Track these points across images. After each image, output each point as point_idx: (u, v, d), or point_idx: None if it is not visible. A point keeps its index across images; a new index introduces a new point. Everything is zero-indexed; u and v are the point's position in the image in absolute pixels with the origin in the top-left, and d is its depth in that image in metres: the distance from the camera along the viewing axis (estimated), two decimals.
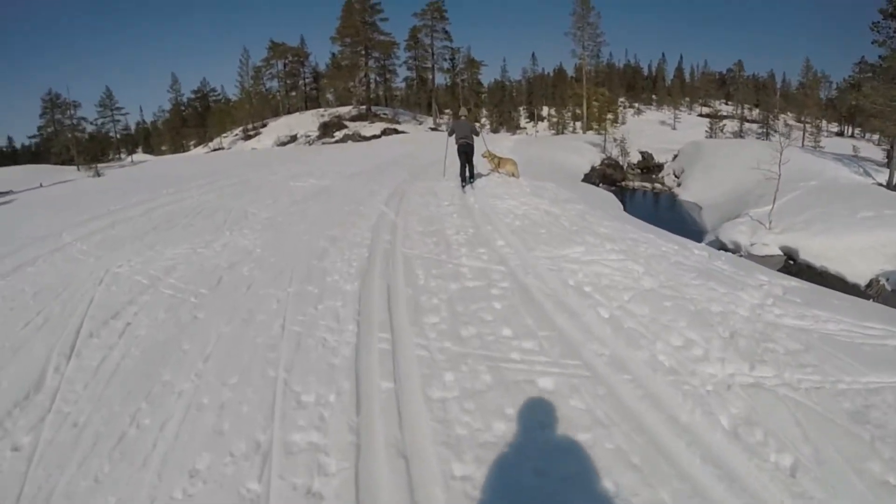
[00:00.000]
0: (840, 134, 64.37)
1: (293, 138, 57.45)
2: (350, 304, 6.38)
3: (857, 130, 64.98)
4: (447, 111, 62.21)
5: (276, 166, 25.61)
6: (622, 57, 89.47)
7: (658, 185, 35.90)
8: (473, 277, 7.14)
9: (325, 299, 6.57)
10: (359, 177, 18.93)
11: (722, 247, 16.75)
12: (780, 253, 16.28)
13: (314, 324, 5.84)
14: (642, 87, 77.67)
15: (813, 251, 15.89)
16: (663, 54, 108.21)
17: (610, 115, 47.95)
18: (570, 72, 75.38)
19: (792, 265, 15.86)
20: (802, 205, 18.23)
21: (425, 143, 37.98)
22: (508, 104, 69.14)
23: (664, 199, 32.79)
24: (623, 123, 45.88)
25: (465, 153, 14.03)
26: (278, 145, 55.73)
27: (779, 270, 14.21)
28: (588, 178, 31.54)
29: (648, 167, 42.30)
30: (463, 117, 15.42)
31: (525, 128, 65.20)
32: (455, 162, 15.02)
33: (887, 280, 15.11)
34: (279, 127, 61.15)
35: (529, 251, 8.30)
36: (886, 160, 41.21)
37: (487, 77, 77.63)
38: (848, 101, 62.79)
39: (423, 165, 21.73)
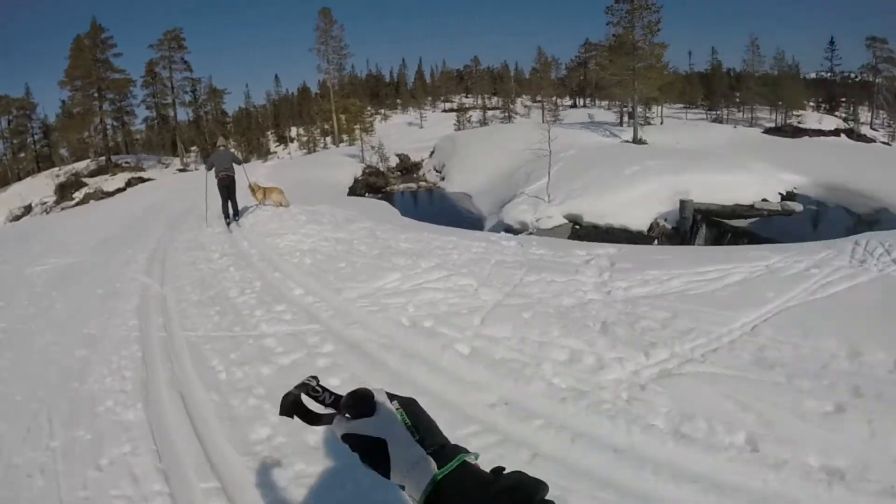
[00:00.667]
0: (573, 106, 72.00)
1: (28, 209, 48.10)
2: (142, 445, 4.20)
3: (587, 101, 74.28)
4: (193, 148, 57.78)
5: (5, 251, 20.86)
6: (364, 67, 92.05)
7: (423, 183, 36.56)
8: (286, 350, 5.67)
9: (107, 447, 4.23)
10: (108, 244, 14.87)
11: (508, 228, 16.88)
12: (566, 221, 17.14)
13: (104, 500, 3.66)
14: (386, 93, 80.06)
15: (595, 212, 17.08)
16: (403, 59, 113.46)
17: (357, 126, 48.23)
18: (315, 88, 75.12)
19: (579, 229, 16.81)
20: (572, 173, 19.39)
21: (176, 186, 34.22)
22: (256, 130, 66.55)
23: (433, 195, 33.53)
24: (373, 131, 46.13)
25: (227, 187, 13.01)
26: (11, 221, 46.48)
27: (569, 237, 15.19)
28: (354, 191, 31.55)
29: (407, 168, 43.24)
30: (221, 148, 14.02)
31: (276, 152, 63.10)
32: (217, 198, 13.54)
33: (665, 220, 17.11)
34: (9, 198, 50.28)
35: (338, 294, 7.19)
36: (619, 122, 48.33)
37: (232, 105, 73.63)
38: (577, 76, 74.50)
39: (180, 213, 18.87)
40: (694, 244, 16.26)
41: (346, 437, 0.96)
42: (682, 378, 4.27)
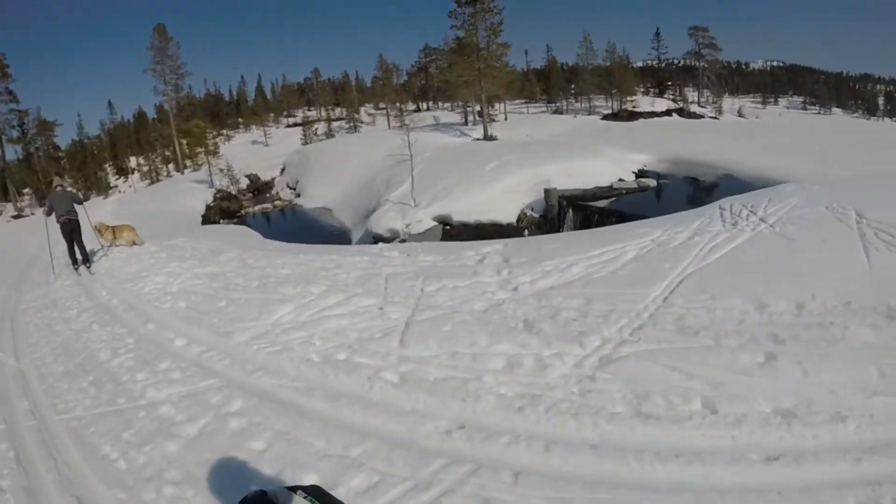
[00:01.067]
0: (417, 110, 72.45)
1: None
2: None
3: (430, 104, 76.06)
4: (26, 190, 51.27)
5: None
6: (202, 86, 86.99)
7: (278, 202, 35.38)
8: (188, 417, 4.76)
9: None
10: None
11: (378, 237, 16.96)
12: (436, 223, 17.16)
13: None
14: (227, 112, 76.50)
15: (463, 211, 17.27)
16: (242, 76, 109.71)
17: (202, 150, 45.82)
18: (152, 113, 70.98)
19: (450, 229, 16.91)
20: (433, 175, 19.45)
21: (11, 236, 29.19)
22: (92, 164, 60.82)
23: (291, 213, 32.56)
24: (219, 153, 43.82)
25: (71, 231, 11.82)
26: None
27: (441, 239, 15.25)
28: (207, 219, 29.92)
29: (259, 188, 41.71)
30: (59, 188, 12.47)
31: (116, 186, 58.21)
32: (61, 242, 12.44)
33: (532, 210, 17.71)
34: None
35: (228, 338, 6.33)
36: (464, 121, 49.88)
37: (64, 138, 66.27)
38: (419, 81, 75.93)
39: (22, 267, 15.69)
40: (563, 229, 16.95)
41: None
42: (623, 360, 4.35)
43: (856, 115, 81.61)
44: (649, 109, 54.30)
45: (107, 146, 69.91)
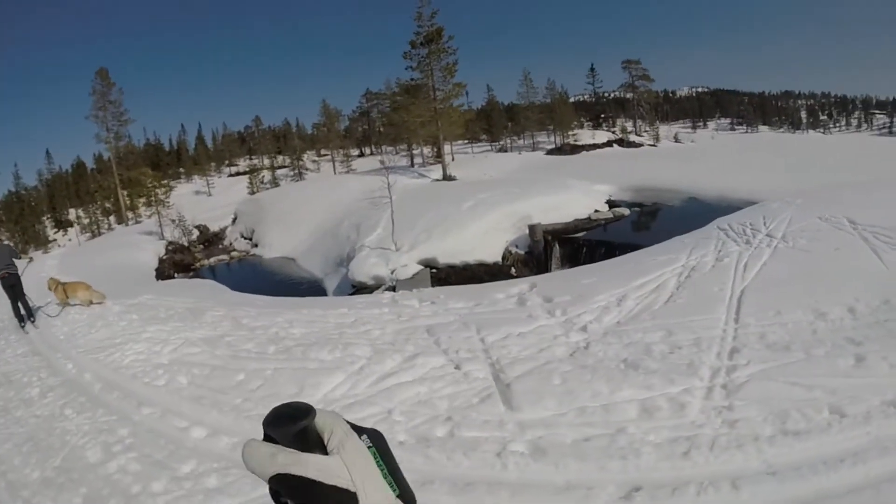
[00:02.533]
0: (361, 155, 73.06)
1: None
2: None
3: (373, 148, 76.22)
4: None
5: None
6: (142, 135, 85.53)
7: (234, 253, 34.53)
8: None
9: None
10: None
11: (361, 286, 16.80)
12: (422, 267, 17.04)
13: None
14: (167, 162, 74.85)
15: (448, 252, 17.23)
16: (182, 125, 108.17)
17: (153, 198, 44.26)
18: (91, 162, 69.79)
19: (437, 272, 16.84)
20: (407, 218, 19.32)
21: None
22: (30, 216, 58.13)
23: (250, 264, 31.37)
24: (170, 203, 42.29)
25: (13, 286, 11.47)
26: None
27: (432, 283, 15.16)
28: (161, 273, 28.38)
29: (209, 239, 40.66)
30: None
31: (55, 239, 55.76)
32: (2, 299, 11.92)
33: (516, 247, 17.92)
34: None
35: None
36: (410, 164, 50.29)
37: (0, 188, 63.34)
38: (360, 126, 76.96)
39: None
40: (551, 264, 17.24)
41: (286, 481, 0.59)
42: (746, 385, 4.50)
43: (781, 130, 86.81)
44: (591, 142, 55.93)
45: (45, 197, 67.40)
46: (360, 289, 16.98)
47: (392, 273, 16.93)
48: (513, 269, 17.33)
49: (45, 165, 77.64)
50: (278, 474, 0.58)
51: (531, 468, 3.85)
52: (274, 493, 0.61)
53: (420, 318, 7.77)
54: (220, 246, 37.83)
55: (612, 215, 21.52)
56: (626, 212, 21.96)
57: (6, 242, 12.86)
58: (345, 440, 0.62)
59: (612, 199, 24.15)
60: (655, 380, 4.70)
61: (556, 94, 65.55)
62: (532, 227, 18.23)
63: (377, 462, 0.63)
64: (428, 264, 17.29)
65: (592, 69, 70.05)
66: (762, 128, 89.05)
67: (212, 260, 34.17)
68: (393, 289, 15.37)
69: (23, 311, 11.59)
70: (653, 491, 3.43)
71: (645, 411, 4.36)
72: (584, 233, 19.61)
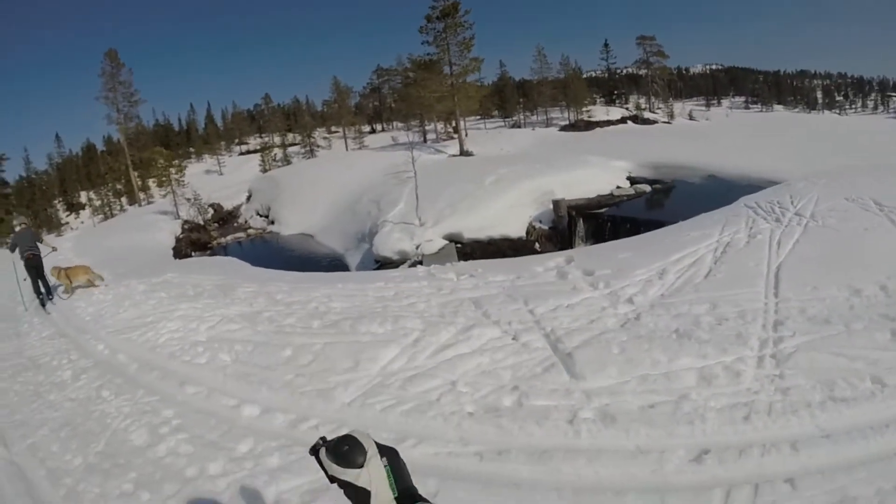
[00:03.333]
0: (373, 131, 73.14)
1: None
2: None
3: (384, 125, 76.82)
4: None
5: None
6: (151, 116, 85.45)
7: (251, 231, 34.83)
8: None
9: None
10: None
11: (387, 260, 17.15)
12: (447, 242, 17.36)
13: None
14: (178, 142, 74.96)
15: (472, 227, 17.56)
16: (192, 105, 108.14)
17: (156, 178, 44.36)
18: (101, 145, 69.54)
19: (462, 246, 17.15)
20: (429, 193, 19.58)
21: None
22: (42, 200, 58.41)
23: (269, 241, 31.72)
24: (185, 182, 42.21)
25: (35, 267, 12.48)
26: None
27: (460, 259, 15.44)
28: (179, 252, 28.55)
29: (223, 217, 40.90)
30: (21, 227, 13.59)
31: (68, 222, 56.09)
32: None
33: (540, 222, 18.26)
34: None
35: (328, 398, 5.20)
36: (423, 140, 50.41)
37: (11, 173, 63.29)
38: (371, 102, 77.88)
39: None
40: (575, 240, 17.54)
41: (338, 480, 1.29)
42: (795, 355, 4.72)
43: (796, 110, 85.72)
44: (605, 118, 55.68)
45: (56, 181, 67.91)
46: (383, 263, 17.30)
47: (417, 248, 17.24)
48: (537, 245, 17.63)
49: (55, 149, 78.18)
50: (334, 476, 1.30)
51: (603, 434, 3.97)
52: (338, 485, 1.30)
53: (462, 291, 7.83)
54: (236, 224, 38.07)
55: (633, 191, 21.74)
56: (648, 188, 22.20)
57: (31, 229, 13.67)
58: (372, 460, 1.27)
59: (632, 175, 24.38)
60: (709, 349, 4.88)
61: (569, 70, 64.89)
62: (556, 203, 18.51)
63: (388, 475, 1.26)
64: (452, 239, 17.59)
65: (606, 45, 69.33)
66: (777, 107, 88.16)
67: (228, 238, 34.45)
68: (419, 263, 15.43)
69: (43, 290, 12.48)
70: (720, 453, 3.61)
71: (703, 379, 4.51)
72: (607, 209, 19.81)
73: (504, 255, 14.27)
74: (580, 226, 18.01)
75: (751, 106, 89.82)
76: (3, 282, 14.26)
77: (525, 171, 21.75)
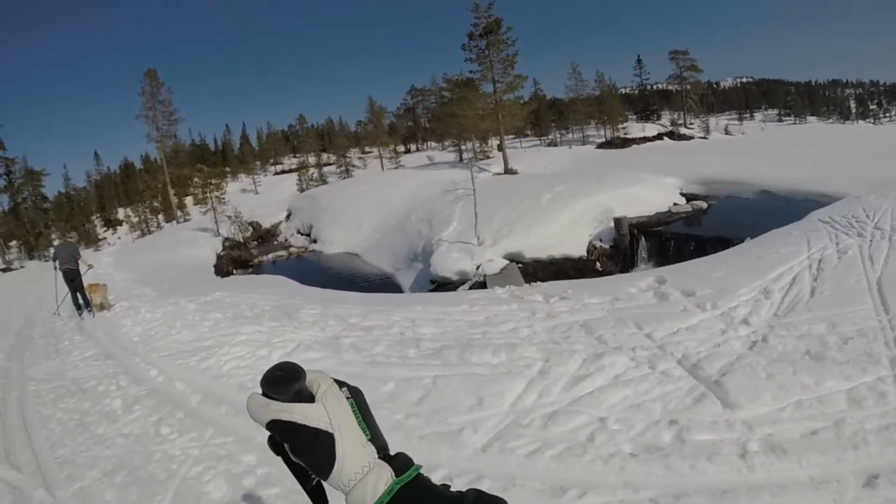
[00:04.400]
0: (408, 151, 74.84)
1: None
2: None
3: (419, 144, 78.94)
4: (12, 243, 49.43)
5: None
6: (187, 135, 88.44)
7: (293, 249, 35.04)
8: None
9: None
10: None
11: (445, 280, 17.05)
12: (508, 261, 17.18)
13: None
14: (213, 161, 76.67)
15: (533, 246, 17.46)
16: (227, 125, 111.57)
17: (194, 194, 44.97)
18: (138, 163, 73.01)
19: (523, 267, 16.95)
20: (486, 212, 19.33)
21: (5, 289, 25.71)
22: (80, 216, 60.08)
23: (311, 260, 31.68)
24: (226, 199, 42.83)
25: (72, 280, 13.07)
26: None
27: (525, 280, 15.48)
28: (220, 269, 28.88)
29: (262, 236, 41.53)
30: (70, 240, 14.74)
31: (105, 237, 57.51)
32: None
33: (600, 241, 18.14)
34: None
35: (455, 443, 4.61)
36: (459, 158, 51.06)
37: (50, 189, 65.36)
38: (405, 122, 79.67)
39: (19, 328, 13.46)
40: (637, 259, 17.56)
41: (277, 425, 0.77)
42: None
43: (830, 121, 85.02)
44: (641, 135, 55.71)
45: (93, 197, 69.98)
46: (441, 284, 17.20)
47: (478, 268, 17.03)
48: (598, 264, 17.47)
49: (93, 166, 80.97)
50: (272, 420, 0.76)
51: (776, 467, 3.76)
52: (271, 440, 0.80)
53: (563, 315, 7.49)
54: (275, 242, 38.62)
55: (689, 208, 21.60)
56: (704, 205, 22.00)
57: (74, 244, 14.43)
58: (327, 391, 0.79)
59: (683, 192, 24.25)
60: (851, 370, 4.76)
61: (604, 87, 65.22)
62: (618, 220, 18.38)
63: (353, 411, 0.79)
64: (512, 259, 17.42)
65: (639, 61, 69.87)
66: (810, 118, 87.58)
67: (269, 256, 34.87)
68: (483, 285, 15.52)
69: (80, 302, 12.98)
70: (890, 476, 3.48)
71: (853, 401, 4.36)
72: (664, 226, 19.66)
73: (567, 276, 14.29)
74: (642, 244, 17.83)
75: (784, 118, 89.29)
76: (45, 296, 14.60)
77: (581, 188, 21.62)
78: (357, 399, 0.82)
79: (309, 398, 0.79)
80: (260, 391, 0.79)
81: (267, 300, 11.61)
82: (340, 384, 0.83)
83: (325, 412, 0.77)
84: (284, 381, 0.78)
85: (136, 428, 5.82)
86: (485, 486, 2.91)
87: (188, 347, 8.43)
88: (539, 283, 10.66)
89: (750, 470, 3.74)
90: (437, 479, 3.48)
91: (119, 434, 5.74)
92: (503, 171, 37.65)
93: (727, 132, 64.38)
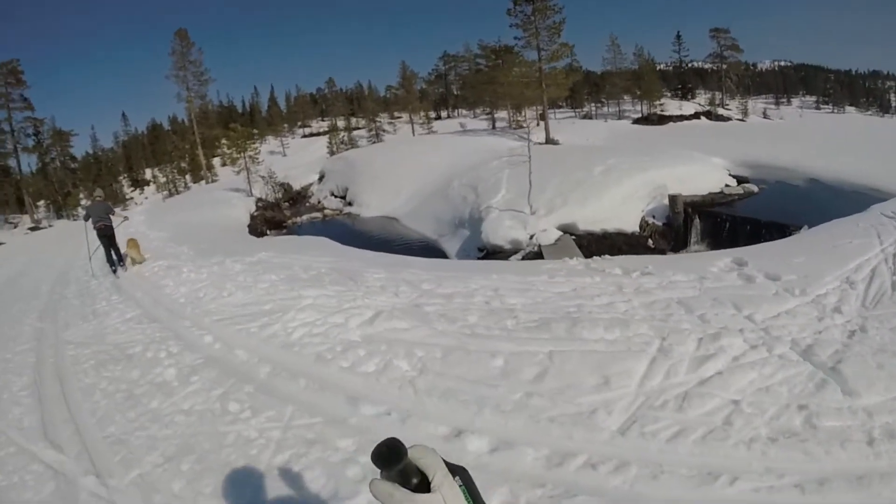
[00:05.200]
0: (439, 118, 73.93)
1: None
2: None
3: (450, 111, 78.59)
4: (41, 202, 50.61)
5: None
6: (215, 97, 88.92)
7: (328, 211, 35.01)
8: None
9: None
10: None
11: (497, 249, 17.08)
12: (561, 233, 17.10)
13: None
14: (241, 123, 77.43)
15: (587, 219, 17.45)
16: (255, 87, 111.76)
17: (228, 154, 44.82)
18: (166, 124, 73.50)
19: (577, 239, 16.88)
20: (537, 182, 18.99)
21: (34, 248, 26.41)
22: (108, 176, 60.92)
23: (346, 223, 31.42)
24: (259, 159, 42.83)
25: (107, 236, 13.52)
26: None
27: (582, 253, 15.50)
28: (254, 230, 28.78)
29: (293, 197, 41.60)
30: (98, 199, 14.70)
31: (132, 197, 58.36)
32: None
33: (653, 217, 18.26)
34: None
35: (591, 426, 4.40)
36: (492, 126, 51.17)
37: (78, 150, 66.59)
38: (437, 88, 79.24)
39: (52, 286, 13.51)
40: (691, 238, 17.74)
41: None
42: None
43: (868, 112, 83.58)
44: (678, 113, 55.06)
45: (121, 158, 70.82)
46: (490, 252, 17.16)
47: (531, 238, 16.91)
48: (650, 241, 17.52)
49: (121, 127, 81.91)
50: None
51: None
52: None
53: (656, 292, 7.36)
54: (308, 204, 38.59)
55: (741, 191, 21.48)
56: (755, 188, 21.90)
57: (106, 202, 15.15)
58: (444, 480, 0.89)
59: (731, 173, 24.11)
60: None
61: (643, 61, 64.56)
62: (673, 198, 18.35)
63: (466, 498, 0.90)
64: (566, 230, 17.29)
65: (678, 37, 69.03)
66: (849, 108, 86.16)
67: (304, 217, 34.80)
68: (538, 255, 15.52)
69: (114, 257, 13.51)
70: None
71: None
72: (717, 207, 19.57)
73: (620, 250, 14.44)
74: (696, 223, 17.85)
75: (822, 106, 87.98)
76: (76, 255, 14.94)
77: (635, 163, 21.61)
78: (467, 484, 0.92)
79: (416, 474, 0.90)
80: (372, 465, 0.90)
81: (321, 262, 11.17)
82: (452, 470, 0.93)
83: (444, 502, 0.87)
84: (390, 460, 0.88)
85: (197, 403, 5.32)
86: (632, 474, 3.56)
87: (245, 311, 7.94)
88: (607, 256, 10.35)
89: (876, 457, 3.77)
90: (575, 466, 3.83)
91: (178, 410, 5.22)
92: (545, 141, 37.59)
93: (765, 115, 63.67)
